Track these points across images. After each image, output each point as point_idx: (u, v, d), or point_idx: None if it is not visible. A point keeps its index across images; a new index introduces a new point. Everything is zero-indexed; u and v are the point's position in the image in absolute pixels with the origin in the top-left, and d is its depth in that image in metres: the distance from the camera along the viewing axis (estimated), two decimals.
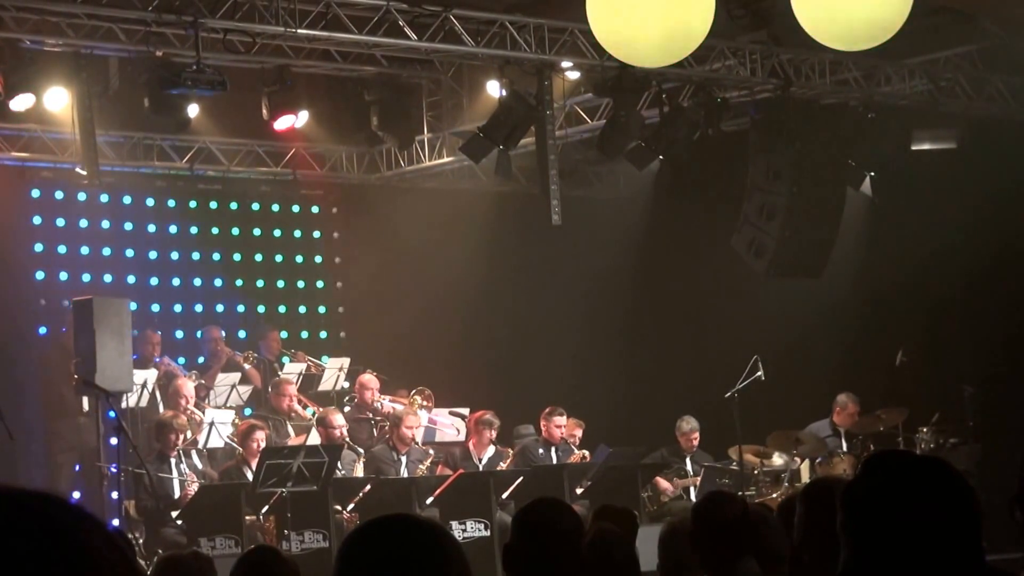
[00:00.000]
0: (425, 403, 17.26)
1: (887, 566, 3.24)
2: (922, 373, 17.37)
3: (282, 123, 16.78)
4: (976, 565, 3.23)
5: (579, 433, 16.98)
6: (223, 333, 18.14)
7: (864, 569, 3.29)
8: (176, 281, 19.03)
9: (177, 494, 14.66)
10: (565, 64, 16.54)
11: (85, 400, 15.76)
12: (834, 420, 17.57)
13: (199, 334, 18.32)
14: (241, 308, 19.52)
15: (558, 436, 16.63)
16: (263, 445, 14.88)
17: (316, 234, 20.36)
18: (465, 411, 17.06)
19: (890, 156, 17.99)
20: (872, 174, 18.07)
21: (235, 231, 19.62)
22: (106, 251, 18.46)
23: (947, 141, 17.97)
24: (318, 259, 20.37)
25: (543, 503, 5.29)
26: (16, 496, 1.44)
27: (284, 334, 18.87)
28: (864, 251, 18.53)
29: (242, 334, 19.12)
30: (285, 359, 18.33)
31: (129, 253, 18.64)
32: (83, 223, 18.34)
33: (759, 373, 16.68)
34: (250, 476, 14.43)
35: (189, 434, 15.29)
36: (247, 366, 17.56)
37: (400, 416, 16.08)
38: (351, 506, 14.91)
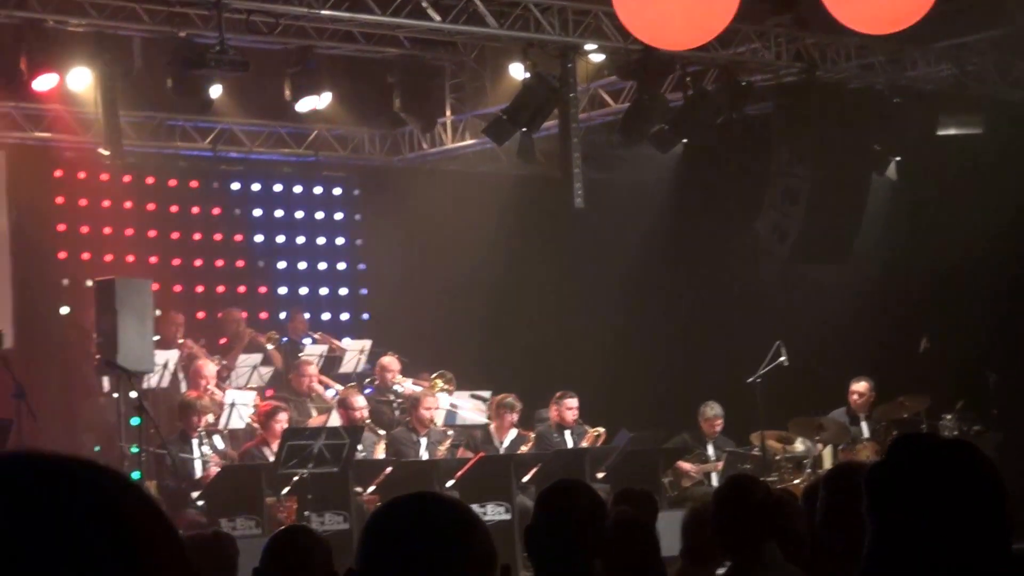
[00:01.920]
0: (447, 386, 17.24)
1: (911, 549, 3.20)
2: (945, 360, 17.29)
3: (304, 105, 16.75)
4: (1001, 549, 3.18)
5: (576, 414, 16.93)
6: (244, 314, 18.13)
7: (888, 552, 3.25)
8: (198, 262, 19.05)
9: (198, 475, 14.66)
10: (589, 47, 16.49)
11: (106, 380, 15.77)
12: (850, 405, 17.51)
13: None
14: (263, 290, 19.51)
15: (570, 419, 16.60)
16: (285, 426, 14.86)
17: (338, 216, 20.36)
18: (487, 394, 17.04)
19: (915, 141, 17.91)
20: (897, 159, 18.01)
21: (257, 212, 19.63)
22: (128, 232, 18.48)
23: (973, 126, 17.87)
24: (340, 241, 20.37)
25: (565, 485, 5.25)
26: (60, 463, 1.43)
27: (306, 316, 18.84)
28: (888, 236, 18.44)
29: (264, 315, 19.10)
30: (308, 340, 18.31)
31: (151, 234, 18.65)
32: (106, 203, 18.37)
33: (782, 358, 16.61)
34: (271, 457, 14.42)
35: (211, 416, 15.27)
36: (269, 346, 17.55)
37: (418, 398, 16.05)
38: (372, 488, 14.87)
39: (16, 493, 1.38)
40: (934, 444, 3.35)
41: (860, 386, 17.48)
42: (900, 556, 3.22)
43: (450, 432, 16.14)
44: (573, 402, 16.63)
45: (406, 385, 17.15)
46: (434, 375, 17.38)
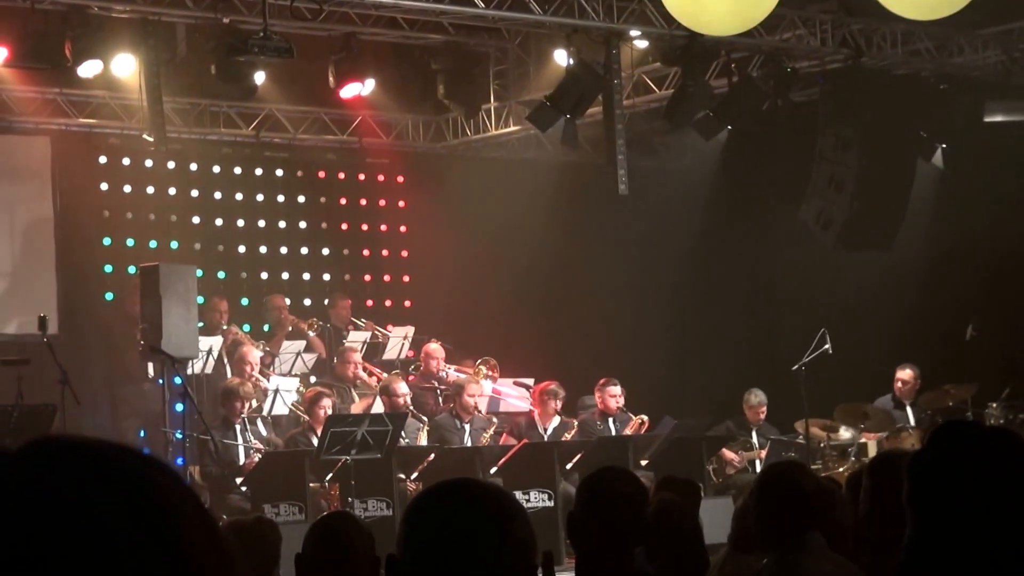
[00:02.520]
0: (490, 373, 17.23)
1: (953, 538, 3.15)
2: (992, 347, 17.18)
3: (348, 91, 16.76)
4: None
5: (622, 401, 16.86)
6: (287, 301, 18.14)
7: (929, 541, 3.20)
8: (242, 248, 19.06)
9: (242, 461, 14.69)
10: (633, 33, 16.42)
11: (151, 366, 15.81)
12: (895, 393, 17.43)
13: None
14: (307, 276, 19.53)
15: (614, 407, 16.55)
16: (329, 412, 14.87)
17: (382, 203, 20.35)
18: (530, 381, 17.01)
19: (962, 128, 17.80)
20: (943, 146, 17.89)
21: (301, 199, 19.63)
22: (173, 218, 18.52)
23: (1020, 113, 17.77)
24: (383, 228, 20.36)
25: (608, 471, 5.22)
26: (96, 447, 1.43)
27: (349, 302, 18.83)
28: (935, 224, 18.33)
29: (307, 302, 19.12)
30: (351, 327, 18.30)
31: (195, 220, 18.69)
32: (150, 190, 18.41)
33: (826, 346, 16.53)
34: (315, 443, 14.43)
35: (254, 402, 15.29)
36: (311, 333, 17.56)
37: (462, 385, 16.04)
38: (415, 474, 14.88)
39: (51, 478, 1.38)
40: (977, 432, 3.31)
41: (905, 374, 17.40)
42: (941, 545, 3.17)
43: (494, 419, 16.12)
44: (616, 389, 16.58)
45: (450, 372, 17.14)
46: (478, 362, 17.36)
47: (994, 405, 16.77)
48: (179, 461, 14.51)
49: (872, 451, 16.47)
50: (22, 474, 1.38)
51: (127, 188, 18.28)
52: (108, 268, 18.02)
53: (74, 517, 1.35)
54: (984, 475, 3.16)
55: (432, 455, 15.01)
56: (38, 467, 1.39)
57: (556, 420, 16.31)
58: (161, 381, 15.10)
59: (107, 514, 1.37)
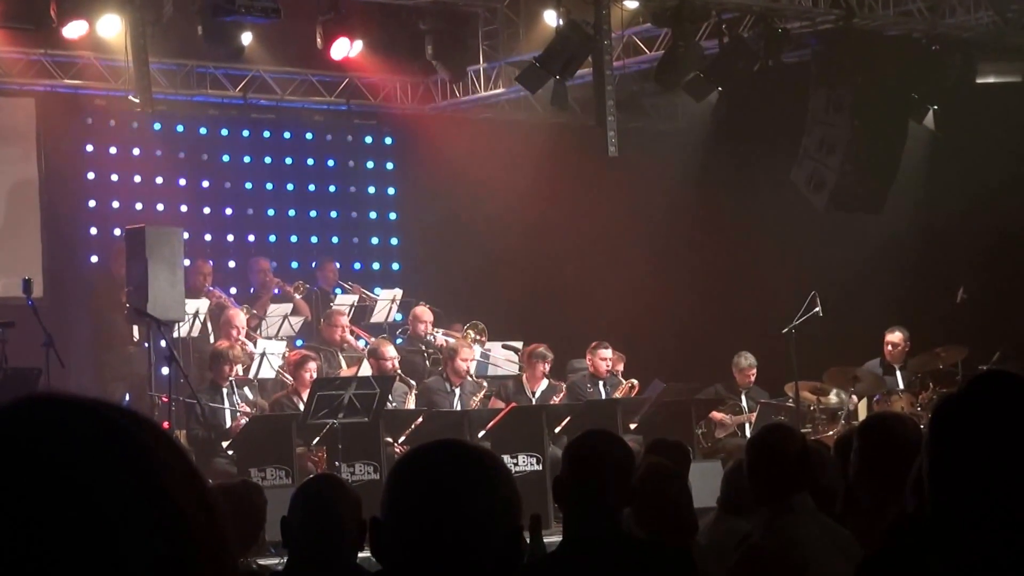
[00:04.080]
0: (479, 337, 17.14)
1: (984, 493, 2.92)
2: (983, 311, 17.13)
3: (337, 50, 16.64)
4: None
5: (620, 367, 16.81)
6: (273, 264, 18.04)
7: (956, 496, 2.96)
8: (228, 211, 18.98)
9: (228, 424, 14.61)
10: None
11: (136, 329, 15.71)
12: (885, 356, 17.37)
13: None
14: (294, 239, 19.45)
15: (604, 370, 16.48)
16: (315, 376, 14.79)
17: (369, 165, 20.26)
18: (518, 344, 16.93)
19: (954, 89, 17.71)
20: (935, 107, 17.79)
21: (288, 161, 19.54)
22: (158, 180, 18.41)
23: (1012, 74, 17.70)
24: (371, 190, 20.28)
25: (594, 434, 5.19)
26: (85, 405, 1.42)
27: (336, 265, 18.73)
28: (926, 186, 18.27)
29: (295, 264, 19.02)
30: (338, 290, 18.21)
31: (181, 182, 18.58)
32: (136, 151, 18.31)
33: (817, 309, 16.47)
34: (301, 407, 14.36)
35: (240, 368, 15.19)
36: (297, 296, 17.46)
37: (455, 348, 15.96)
38: (402, 438, 14.82)
39: (43, 435, 1.37)
40: (1018, 381, 3.04)
41: (895, 336, 17.34)
42: (963, 507, 2.95)
43: (484, 384, 16.05)
44: (607, 352, 16.51)
45: (438, 336, 17.05)
46: (466, 326, 17.28)
47: (984, 368, 16.71)
48: (165, 424, 14.43)
49: (862, 414, 16.42)
50: (11, 430, 1.37)
51: (113, 150, 18.18)
52: (93, 230, 17.95)
53: (62, 473, 1.35)
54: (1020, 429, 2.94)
55: (420, 418, 14.94)
56: (28, 423, 1.38)
57: (544, 383, 16.25)
58: (147, 344, 15.01)
59: (95, 471, 1.36)
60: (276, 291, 17.48)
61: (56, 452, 1.36)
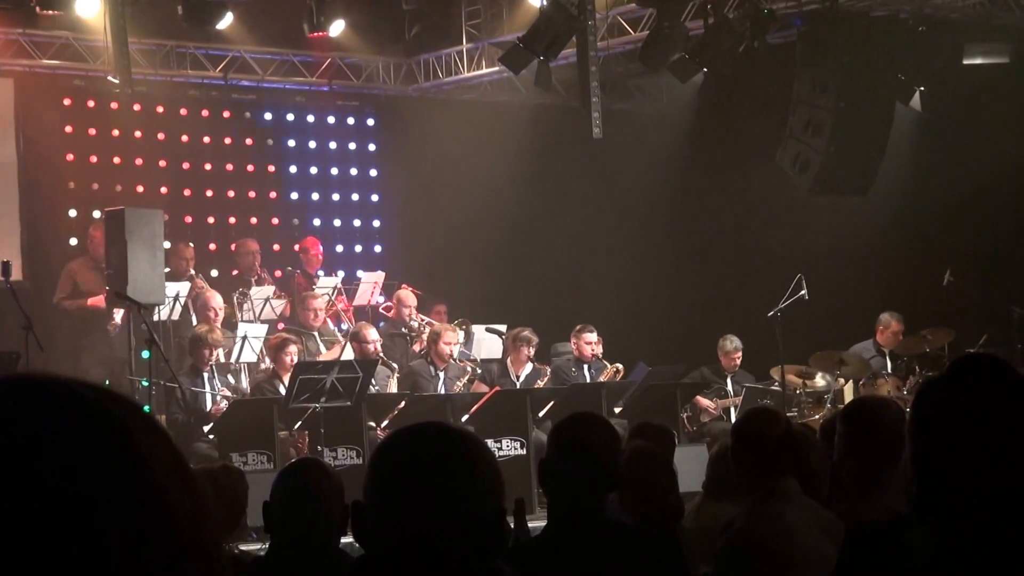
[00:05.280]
0: (463, 329, 17.01)
1: (969, 477, 2.90)
2: (970, 294, 17.08)
3: (317, 31, 16.58)
4: None
5: (599, 350, 16.72)
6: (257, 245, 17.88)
7: (942, 480, 2.94)
8: (209, 192, 18.83)
9: (209, 408, 14.51)
10: None
11: (116, 313, 15.58)
12: (877, 340, 17.34)
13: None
14: (275, 221, 19.31)
15: (588, 353, 16.42)
16: (295, 359, 14.68)
17: (351, 146, 20.14)
18: (502, 328, 16.83)
19: (941, 70, 17.64)
20: (922, 89, 17.71)
21: (269, 142, 19.41)
22: (138, 161, 18.28)
23: (999, 55, 17.61)
24: (354, 172, 20.16)
25: (579, 418, 5.15)
26: (69, 386, 1.41)
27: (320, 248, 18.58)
28: (912, 168, 18.20)
29: (276, 247, 18.89)
30: (320, 272, 18.07)
31: (161, 164, 18.45)
32: (115, 132, 18.15)
33: (803, 292, 16.39)
34: (282, 391, 14.25)
35: (221, 352, 15.05)
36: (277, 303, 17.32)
37: (439, 332, 15.88)
38: (385, 422, 14.76)
39: (22, 413, 1.37)
40: (1001, 364, 3.03)
41: (894, 324, 17.26)
42: (944, 490, 2.93)
43: (468, 368, 15.96)
44: (592, 336, 16.44)
45: (422, 321, 16.94)
46: (455, 323, 17.20)
47: (971, 352, 16.65)
48: (145, 408, 14.26)
49: (848, 397, 16.37)
50: None
51: (92, 131, 18.02)
52: (72, 212, 17.80)
53: (46, 454, 1.34)
54: (1004, 413, 2.92)
55: (403, 402, 14.87)
56: (7, 401, 1.38)
57: (529, 367, 16.19)
58: (128, 327, 14.87)
59: (74, 449, 1.35)
60: (253, 278, 17.25)
61: (35, 430, 1.35)
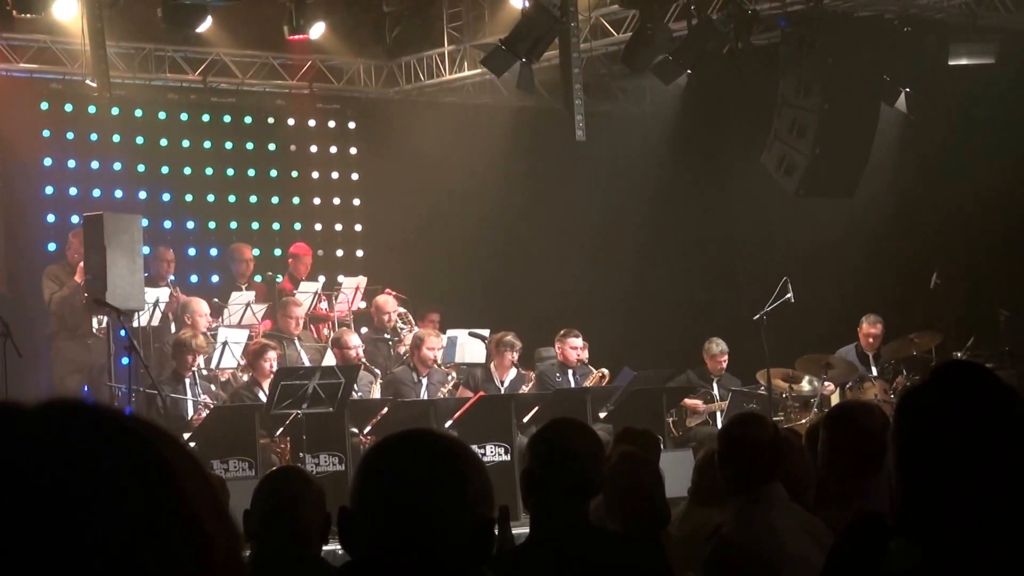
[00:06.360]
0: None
1: (953, 488, 2.88)
2: (957, 296, 17.03)
3: (297, 34, 16.51)
4: None
5: (585, 355, 16.60)
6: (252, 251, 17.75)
7: (927, 489, 2.92)
8: (189, 197, 18.69)
9: (190, 415, 14.38)
10: None
11: (95, 319, 15.44)
12: (860, 344, 17.25)
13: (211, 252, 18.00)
14: (256, 225, 19.19)
15: (574, 358, 16.29)
16: (275, 366, 14.56)
17: (332, 149, 20.05)
18: (485, 332, 16.69)
19: (926, 71, 17.59)
20: (907, 90, 17.65)
21: (249, 146, 19.30)
22: (117, 166, 18.17)
23: (985, 56, 17.56)
24: (335, 175, 20.06)
25: (561, 423, 5.10)
26: (106, 412, 1.41)
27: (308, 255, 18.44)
28: (898, 169, 18.16)
29: (257, 252, 18.73)
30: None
31: (140, 168, 18.32)
32: (93, 137, 18.07)
33: (789, 295, 16.34)
34: (263, 397, 14.13)
35: (202, 359, 14.93)
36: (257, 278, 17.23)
37: (422, 337, 15.80)
38: (368, 429, 14.66)
39: (66, 442, 1.35)
40: (984, 374, 3.03)
41: (876, 328, 17.18)
42: (929, 498, 2.91)
43: (452, 374, 15.86)
44: (576, 341, 16.32)
45: (403, 327, 16.84)
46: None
47: (958, 355, 16.58)
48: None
49: (835, 401, 16.28)
50: (37, 431, 1.36)
51: (70, 135, 17.93)
52: (51, 217, 17.68)
53: (88, 483, 1.34)
54: (986, 421, 2.89)
55: (385, 408, 14.77)
56: (57, 426, 1.36)
57: (513, 372, 16.08)
58: (107, 334, 14.74)
59: (123, 483, 1.35)
60: (244, 285, 17.11)
61: (81, 457, 1.35)
